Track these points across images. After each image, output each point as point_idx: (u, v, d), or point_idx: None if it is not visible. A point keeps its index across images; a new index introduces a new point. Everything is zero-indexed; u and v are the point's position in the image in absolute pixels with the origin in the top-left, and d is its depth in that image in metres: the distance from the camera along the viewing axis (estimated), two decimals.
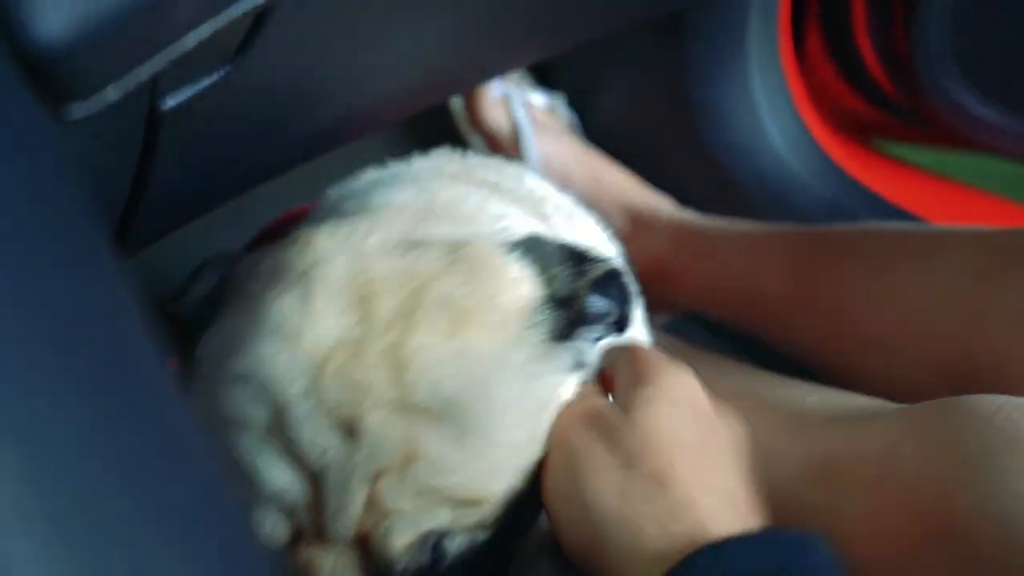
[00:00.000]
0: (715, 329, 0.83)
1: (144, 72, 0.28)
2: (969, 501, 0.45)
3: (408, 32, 0.48)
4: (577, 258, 0.49)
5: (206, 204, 0.60)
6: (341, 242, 0.47)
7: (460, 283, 0.45)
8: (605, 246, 0.63)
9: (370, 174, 0.63)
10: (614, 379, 0.50)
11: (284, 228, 0.56)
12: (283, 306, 0.43)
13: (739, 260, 0.81)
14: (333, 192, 0.62)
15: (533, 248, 0.49)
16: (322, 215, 0.57)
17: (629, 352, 0.50)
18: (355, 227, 0.48)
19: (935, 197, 0.98)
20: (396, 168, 0.64)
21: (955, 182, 0.99)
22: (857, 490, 0.51)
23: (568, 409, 0.48)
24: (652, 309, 0.82)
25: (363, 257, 0.46)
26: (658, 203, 0.89)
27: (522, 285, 0.47)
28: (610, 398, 0.49)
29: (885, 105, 1.03)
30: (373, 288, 0.44)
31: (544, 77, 1.02)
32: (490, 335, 0.45)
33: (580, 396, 0.49)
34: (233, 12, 0.30)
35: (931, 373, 0.60)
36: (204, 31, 0.30)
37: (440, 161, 0.65)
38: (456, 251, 0.47)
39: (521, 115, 0.92)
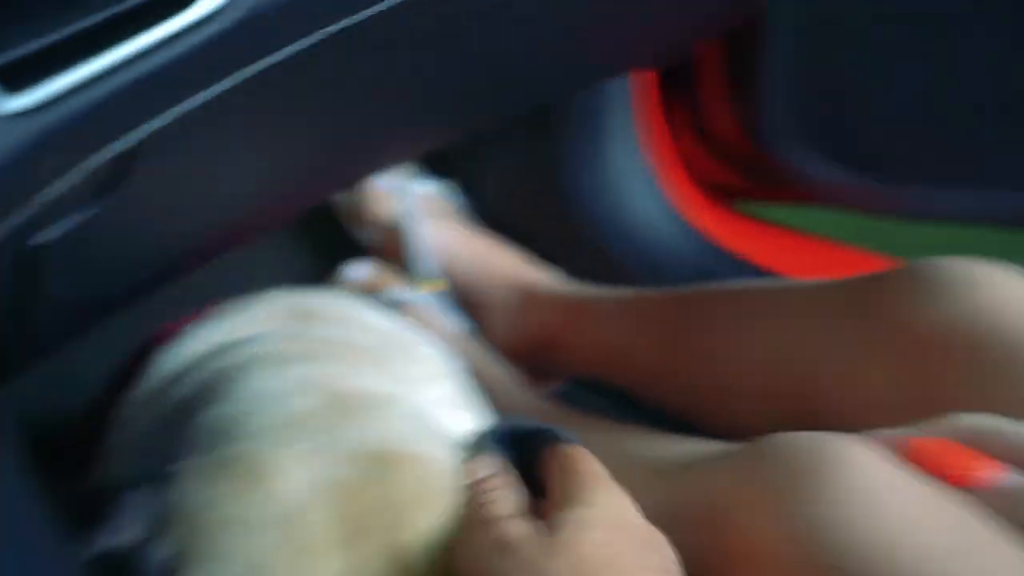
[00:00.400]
0: (602, 392, 0.86)
1: (8, 224, 0.30)
2: (771, 530, 0.48)
3: (275, 149, 0.52)
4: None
5: (88, 324, 0.60)
6: (300, 470, 0.46)
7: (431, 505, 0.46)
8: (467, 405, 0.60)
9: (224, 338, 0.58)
10: (547, 491, 0.48)
11: (160, 341, 0.57)
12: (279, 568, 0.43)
13: (617, 326, 0.85)
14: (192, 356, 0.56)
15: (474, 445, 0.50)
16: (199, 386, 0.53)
17: (566, 460, 0.48)
18: (298, 450, 0.46)
19: (793, 253, 1.06)
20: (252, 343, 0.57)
21: (812, 236, 1.07)
22: (690, 531, 0.51)
23: (472, 536, 0.46)
24: (544, 377, 0.87)
25: (335, 488, 0.46)
26: (543, 278, 0.93)
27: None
28: (523, 519, 0.46)
29: (744, 169, 1.11)
30: (359, 524, 0.45)
31: (432, 165, 1.07)
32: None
33: (483, 519, 0.47)
34: (95, 162, 0.33)
35: (780, 418, 0.62)
36: (70, 180, 0.33)
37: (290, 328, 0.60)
38: (417, 466, 0.47)
39: (408, 205, 0.95)
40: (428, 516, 0.46)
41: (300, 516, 0.43)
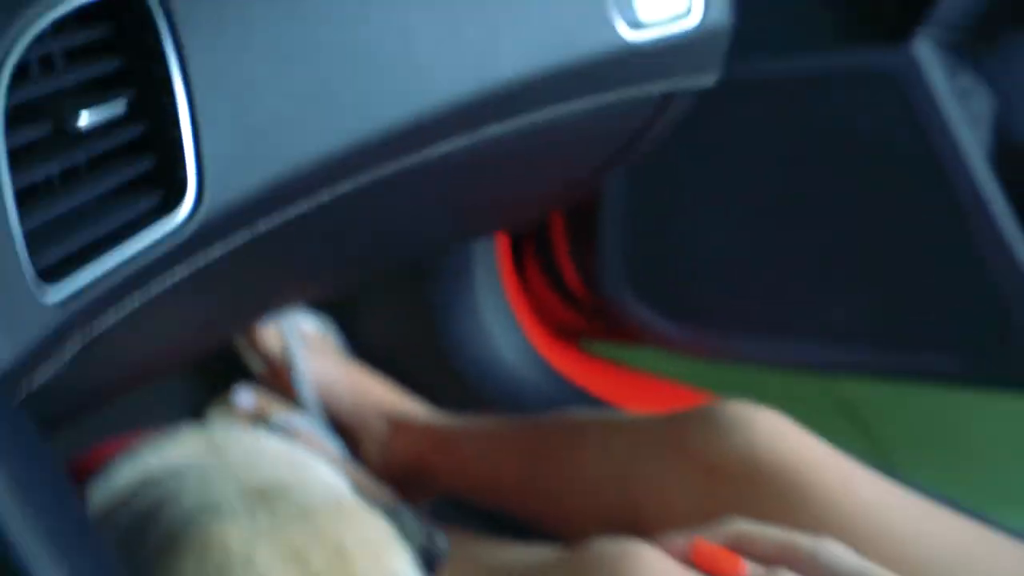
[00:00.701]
0: (466, 507, 0.94)
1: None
2: None
3: (200, 313, 0.62)
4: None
5: None
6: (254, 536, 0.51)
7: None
8: None
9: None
10: None
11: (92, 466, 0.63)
12: None
13: (479, 452, 0.94)
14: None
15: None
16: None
17: None
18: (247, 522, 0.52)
19: (629, 387, 1.19)
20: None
21: (645, 373, 1.22)
22: None
23: None
24: (417, 497, 0.94)
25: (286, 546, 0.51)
26: (415, 409, 1.02)
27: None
28: None
29: (589, 314, 1.25)
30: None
31: (315, 303, 1.16)
32: None
33: None
34: (95, 331, 0.42)
35: (612, 530, 0.70)
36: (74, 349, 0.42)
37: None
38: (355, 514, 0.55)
39: (292, 339, 1.03)
40: (374, 562, 0.53)
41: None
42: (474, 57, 0.68)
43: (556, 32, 0.75)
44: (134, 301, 0.48)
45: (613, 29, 0.77)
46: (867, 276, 1.19)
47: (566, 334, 1.30)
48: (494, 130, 0.73)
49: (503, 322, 1.18)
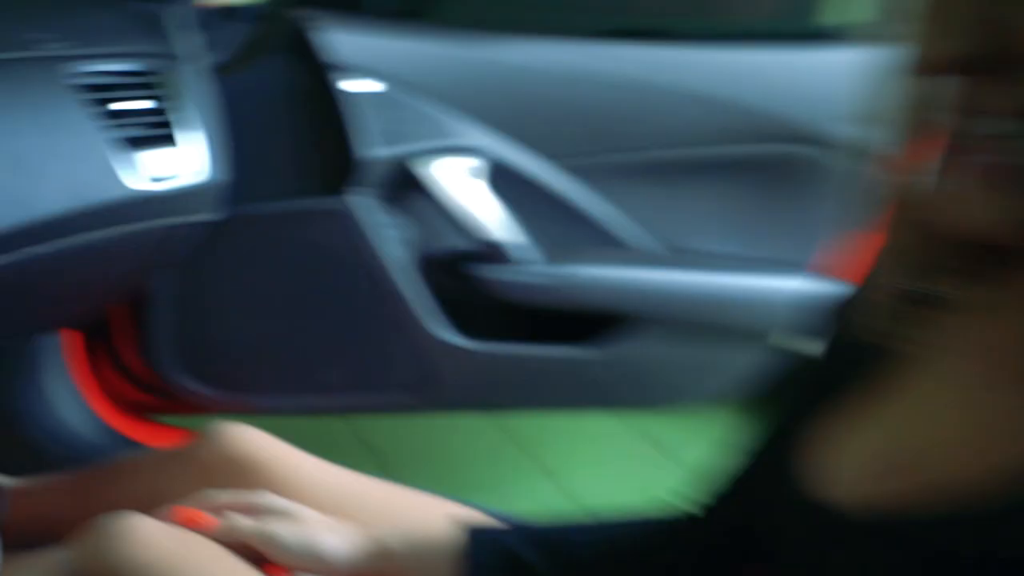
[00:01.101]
0: None
1: None
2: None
3: None
4: None
5: None
6: None
7: None
8: None
9: None
10: None
11: None
12: None
13: (58, 502, 0.95)
14: None
15: None
16: None
17: None
18: None
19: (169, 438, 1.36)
20: None
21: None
22: None
23: None
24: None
25: None
26: None
27: None
28: None
29: (152, 391, 1.39)
30: None
31: None
32: None
33: None
34: None
35: None
36: None
37: None
38: None
39: None
40: None
41: None
42: (17, 201, 0.84)
43: (82, 180, 0.93)
44: None
45: (130, 183, 0.98)
46: (347, 346, 1.45)
47: (137, 409, 1.42)
48: (39, 250, 0.88)
49: (69, 399, 1.30)
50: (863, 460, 0.54)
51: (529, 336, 1.46)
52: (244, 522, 0.72)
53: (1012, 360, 0.50)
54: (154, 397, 1.40)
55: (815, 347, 0.68)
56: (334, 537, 0.73)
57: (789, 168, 1.43)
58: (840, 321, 0.64)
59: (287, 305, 1.38)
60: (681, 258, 1.49)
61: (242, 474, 0.81)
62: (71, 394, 1.30)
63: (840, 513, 0.52)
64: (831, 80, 1.40)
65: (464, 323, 1.43)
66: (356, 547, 0.73)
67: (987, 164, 0.41)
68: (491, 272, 1.39)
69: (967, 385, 0.53)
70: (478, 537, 0.72)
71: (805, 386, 0.65)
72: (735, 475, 0.70)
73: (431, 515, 0.81)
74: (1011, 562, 0.42)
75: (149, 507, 0.74)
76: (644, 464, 1.90)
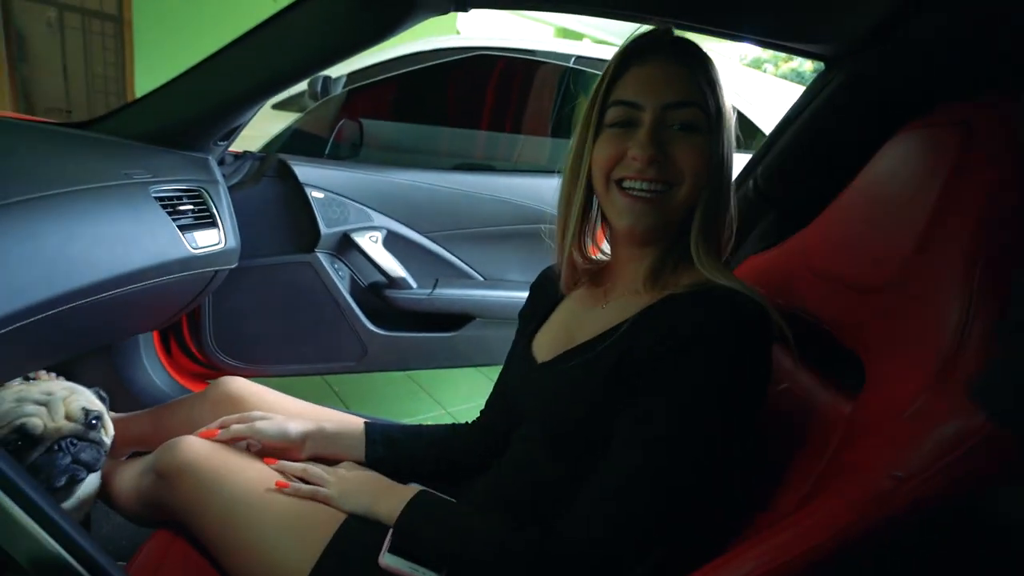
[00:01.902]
0: None
1: None
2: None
3: None
4: None
5: None
6: None
7: None
8: None
9: None
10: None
11: None
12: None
13: (143, 423, 0.88)
14: None
15: None
16: None
17: None
18: None
19: None
20: None
21: None
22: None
23: None
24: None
25: None
26: (123, 416, 0.90)
27: None
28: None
29: (204, 366, 1.32)
30: None
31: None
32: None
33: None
34: None
35: None
36: None
37: None
38: None
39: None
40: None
41: None
42: (117, 259, 0.84)
43: (160, 248, 0.94)
44: None
45: (187, 249, 1.01)
46: (316, 336, 1.42)
47: (193, 373, 1.35)
48: (140, 286, 0.90)
49: (155, 367, 1.25)
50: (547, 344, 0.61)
51: (417, 327, 1.52)
52: (239, 425, 0.69)
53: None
54: (202, 366, 1.37)
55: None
56: (294, 423, 0.70)
57: (548, 236, 1.60)
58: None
59: (278, 314, 1.39)
60: (495, 283, 1.59)
61: (236, 404, 0.78)
62: (156, 364, 1.27)
63: (536, 360, 0.60)
64: None
65: (380, 321, 1.47)
66: (307, 428, 0.70)
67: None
68: (394, 293, 1.47)
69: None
70: (370, 425, 0.73)
71: (527, 323, 0.69)
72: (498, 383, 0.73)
73: (348, 421, 0.77)
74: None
75: (191, 428, 0.72)
76: (477, 391, 1.90)
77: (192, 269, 1.04)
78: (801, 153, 0.75)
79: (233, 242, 1.15)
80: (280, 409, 0.77)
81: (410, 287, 1.45)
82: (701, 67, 0.52)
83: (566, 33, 5.03)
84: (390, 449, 0.70)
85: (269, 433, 0.68)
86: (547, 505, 0.52)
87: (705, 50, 0.54)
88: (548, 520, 0.49)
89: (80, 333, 0.68)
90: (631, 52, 0.53)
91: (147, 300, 0.97)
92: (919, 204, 0.46)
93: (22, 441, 0.61)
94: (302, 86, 1.72)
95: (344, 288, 1.41)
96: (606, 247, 0.64)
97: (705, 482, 0.44)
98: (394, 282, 1.44)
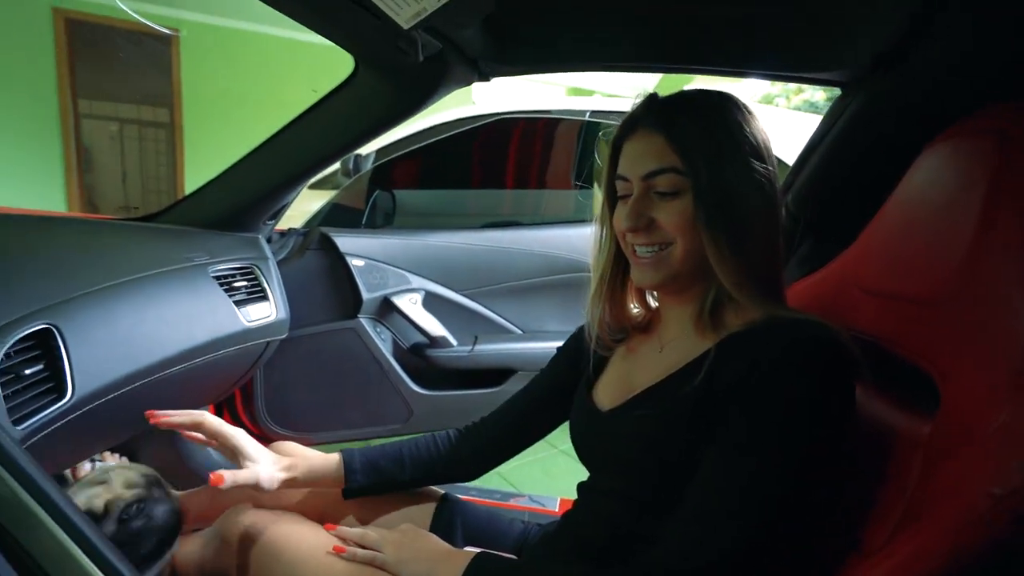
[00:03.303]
0: None
1: None
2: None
3: None
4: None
5: None
6: None
7: None
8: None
9: None
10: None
11: None
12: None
13: (203, 501, 0.84)
14: None
15: None
16: None
17: None
18: None
19: None
20: None
21: None
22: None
23: None
24: None
25: None
26: None
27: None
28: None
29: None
30: None
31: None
32: None
33: None
34: None
35: None
36: None
37: None
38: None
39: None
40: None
41: None
42: (182, 335, 0.88)
43: (219, 323, 0.98)
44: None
45: (242, 323, 1.04)
46: (361, 401, 1.42)
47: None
48: (199, 360, 0.93)
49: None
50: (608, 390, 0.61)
51: (459, 385, 1.51)
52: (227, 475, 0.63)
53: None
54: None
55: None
56: (268, 472, 0.66)
57: (584, 285, 1.55)
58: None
59: (326, 381, 1.40)
60: (533, 335, 1.59)
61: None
62: None
63: (600, 409, 0.59)
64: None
65: (424, 381, 1.47)
66: (282, 475, 0.67)
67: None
68: (435, 352, 1.47)
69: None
70: (348, 454, 0.71)
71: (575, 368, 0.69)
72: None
73: (329, 456, 0.73)
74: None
75: (248, 499, 0.74)
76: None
77: (247, 341, 1.07)
78: (830, 176, 0.74)
79: (283, 313, 1.19)
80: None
81: (451, 345, 1.45)
82: (676, 127, 0.51)
83: (577, 92, 5.23)
84: (371, 477, 0.70)
85: (244, 481, 0.66)
86: (627, 551, 0.51)
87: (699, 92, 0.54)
88: (629, 563, 0.48)
89: (153, 406, 0.67)
90: (627, 126, 0.56)
91: (207, 374, 0.99)
92: (963, 213, 0.45)
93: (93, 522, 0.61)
94: (335, 166, 1.81)
95: (387, 351, 1.42)
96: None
97: (793, 515, 0.43)
98: (435, 341, 1.44)
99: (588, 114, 1.91)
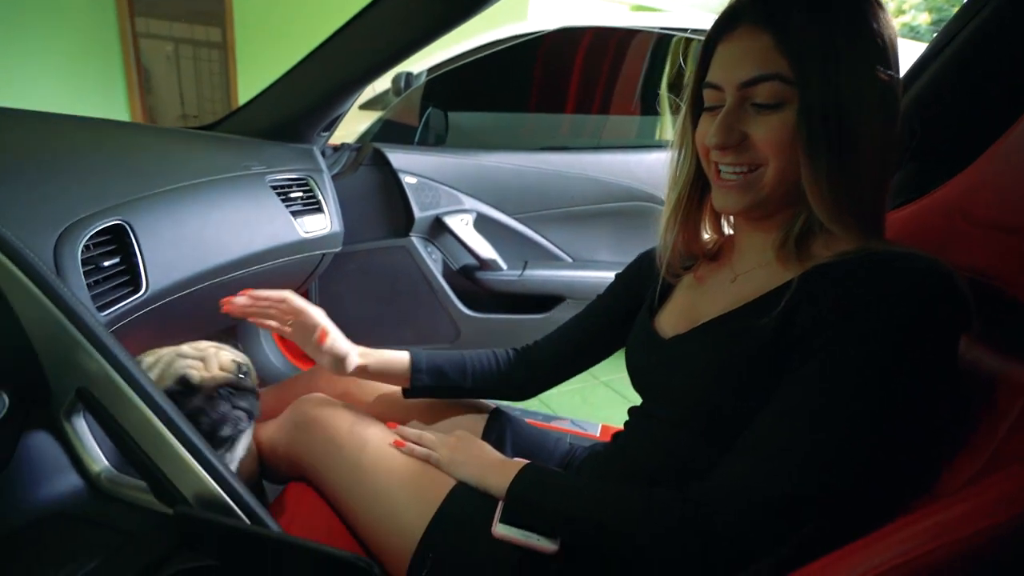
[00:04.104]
0: None
1: None
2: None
3: None
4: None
5: None
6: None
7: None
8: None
9: None
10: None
11: None
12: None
13: (272, 397, 0.88)
14: None
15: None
16: None
17: None
18: None
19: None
20: None
21: None
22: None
23: None
24: None
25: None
26: None
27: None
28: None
29: None
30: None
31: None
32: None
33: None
34: None
35: None
36: None
37: None
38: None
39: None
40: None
41: None
42: (243, 241, 0.91)
43: (276, 232, 1.00)
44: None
45: (299, 233, 1.06)
46: (411, 318, 1.43)
47: (307, 358, 1.44)
48: (258, 268, 0.96)
49: (273, 349, 1.36)
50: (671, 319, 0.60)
51: (507, 309, 1.53)
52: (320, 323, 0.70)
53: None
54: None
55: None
56: (350, 355, 0.70)
57: (639, 214, 1.51)
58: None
59: (377, 298, 1.43)
60: (584, 264, 1.57)
61: (343, 379, 0.82)
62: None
63: (662, 337, 0.58)
64: (659, 168, 1.49)
65: (473, 304, 1.48)
66: (358, 361, 0.71)
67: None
68: (485, 275, 1.48)
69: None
70: (415, 355, 0.73)
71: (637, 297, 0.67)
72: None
73: (398, 354, 0.76)
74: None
75: (310, 391, 0.78)
76: None
77: (303, 252, 1.09)
78: (950, 89, 0.66)
79: (338, 226, 1.21)
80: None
81: (501, 268, 1.45)
82: (789, 25, 0.43)
83: (641, 8, 4.81)
84: (435, 379, 0.72)
85: (334, 350, 0.70)
86: (680, 480, 0.49)
87: None
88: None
89: (212, 312, 0.69)
90: (721, 24, 0.49)
91: (265, 282, 1.01)
92: None
93: (184, 391, 0.64)
94: (386, 84, 1.76)
95: (437, 271, 1.43)
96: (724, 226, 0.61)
97: (866, 465, 0.40)
98: (485, 264, 1.45)
99: (658, 30, 1.77)
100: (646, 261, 0.69)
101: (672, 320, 0.59)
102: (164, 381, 0.63)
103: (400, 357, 0.74)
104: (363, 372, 0.72)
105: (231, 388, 0.66)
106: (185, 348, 0.69)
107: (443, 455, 0.61)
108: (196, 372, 0.65)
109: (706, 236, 0.62)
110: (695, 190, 0.57)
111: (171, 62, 4.47)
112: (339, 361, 0.70)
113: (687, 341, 0.54)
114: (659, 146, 1.60)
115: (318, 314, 0.70)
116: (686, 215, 0.58)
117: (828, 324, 0.42)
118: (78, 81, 3.89)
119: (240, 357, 0.72)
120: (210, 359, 0.68)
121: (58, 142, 0.77)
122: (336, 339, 0.70)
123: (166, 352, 0.67)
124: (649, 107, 1.87)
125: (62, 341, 0.44)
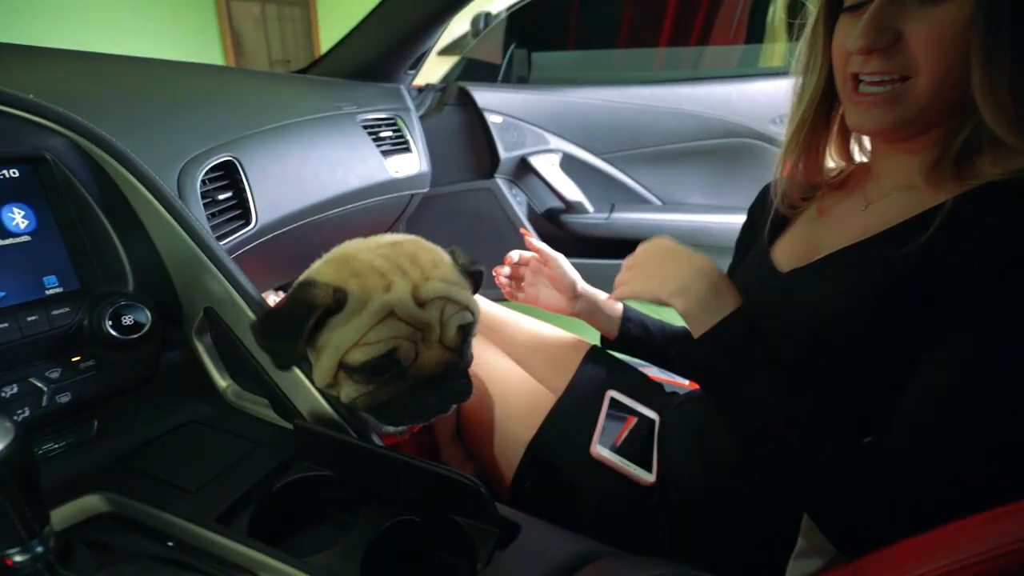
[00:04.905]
0: None
1: None
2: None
3: None
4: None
5: None
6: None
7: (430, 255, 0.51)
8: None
9: None
10: None
11: None
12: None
13: None
14: None
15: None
16: None
17: None
18: None
19: None
20: None
21: None
22: None
23: None
24: None
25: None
26: None
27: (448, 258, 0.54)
28: None
29: None
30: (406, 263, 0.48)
31: None
32: (449, 269, 0.52)
33: None
34: None
35: None
36: None
37: None
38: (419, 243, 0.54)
39: None
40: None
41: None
42: (339, 179, 0.94)
43: (369, 172, 1.03)
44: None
45: (389, 173, 1.08)
46: (496, 258, 1.43)
47: None
48: (351, 207, 0.99)
49: None
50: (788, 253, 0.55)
51: (593, 254, 1.48)
52: (548, 252, 0.75)
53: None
54: None
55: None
56: (578, 279, 0.72)
57: (738, 152, 1.41)
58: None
59: (462, 240, 1.29)
60: (675, 207, 1.50)
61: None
62: None
63: (778, 270, 0.53)
64: (762, 99, 1.38)
65: (557, 248, 1.39)
66: (583, 287, 0.73)
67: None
68: (571, 218, 1.45)
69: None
70: (628, 308, 0.73)
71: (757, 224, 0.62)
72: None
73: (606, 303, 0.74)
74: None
75: None
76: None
77: (394, 191, 1.12)
78: None
79: (426, 167, 1.22)
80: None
81: (587, 211, 1.41)
82: None
83: None
84: (643, 332, 0.71)
85: (562, 267, 0.73)
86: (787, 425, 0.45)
87: None
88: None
89: (310, 250, 0.66)
90: None
91: (359, 221, 1.05)
92: None
93: (379, 370, 0.47)
94: (464, 27, 1.70)
95: (523, 214, 1.42)
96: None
97: None
98: (571, 206, 1.41)
99: None
100: (769, 194, 0.63)
101: (787, 253, 0.54)
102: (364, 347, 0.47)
103: (610, 303, 0.72)
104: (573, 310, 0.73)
105: (444, 376, 0.51)
106: (395, 252, 0.57)
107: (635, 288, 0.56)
108: (409, 352, 0.49)
109: (831, 164, 0.55)
110: (821, 110, 0.51)
111: (259, 23, 4.65)
112: (570, 289, 0.72)
113: (807, 274, 0.49)
114: (763, 74, 1.46)
115: (560, 256, 0.74)
116: (808, 140, 0.52)
117: (998, 262, 0.36)
118: (177, 51, 4.10)
119: (467, 301, 0.57)
120: (431, 329, 0.50)
121: (169, 86, 0.81)
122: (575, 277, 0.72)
123: (369, 254, 0.56)
124: (754, 32, 1.69)
125: (191, 265, 0.47)
